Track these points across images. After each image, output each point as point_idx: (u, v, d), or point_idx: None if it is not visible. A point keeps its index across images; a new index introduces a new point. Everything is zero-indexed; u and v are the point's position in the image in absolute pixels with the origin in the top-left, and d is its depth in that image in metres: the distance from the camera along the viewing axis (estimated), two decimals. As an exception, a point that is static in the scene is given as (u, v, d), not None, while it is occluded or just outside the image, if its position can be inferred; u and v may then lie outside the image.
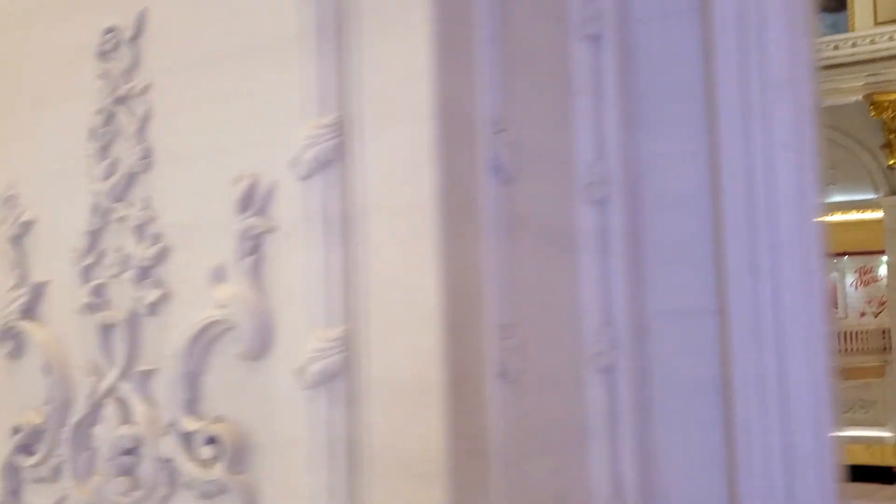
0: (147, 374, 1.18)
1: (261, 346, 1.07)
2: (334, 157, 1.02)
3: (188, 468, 1.10)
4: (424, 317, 0.92)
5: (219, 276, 1.11)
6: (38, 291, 1.30)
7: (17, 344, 1.32)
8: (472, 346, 0.95)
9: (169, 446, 1.13)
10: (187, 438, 1.12)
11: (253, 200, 1.09)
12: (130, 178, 1.21)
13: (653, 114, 1.36)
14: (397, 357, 0.94)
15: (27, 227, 1.33)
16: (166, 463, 1.13)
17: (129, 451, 1.18)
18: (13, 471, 1.31)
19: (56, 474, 1.26)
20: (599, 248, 1.27)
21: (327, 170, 1.02)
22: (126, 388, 1.18)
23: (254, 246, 1.09)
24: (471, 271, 0.97)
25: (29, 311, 1.31)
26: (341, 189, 1.02)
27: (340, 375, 1.00)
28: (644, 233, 1.34)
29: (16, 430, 1.30)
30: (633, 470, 1.27)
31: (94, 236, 1.24)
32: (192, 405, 1.13)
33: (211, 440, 1.09)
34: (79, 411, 1.22)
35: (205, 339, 1.12)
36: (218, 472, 1.07)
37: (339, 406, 1.00)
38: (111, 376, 1.20)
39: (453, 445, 0.90)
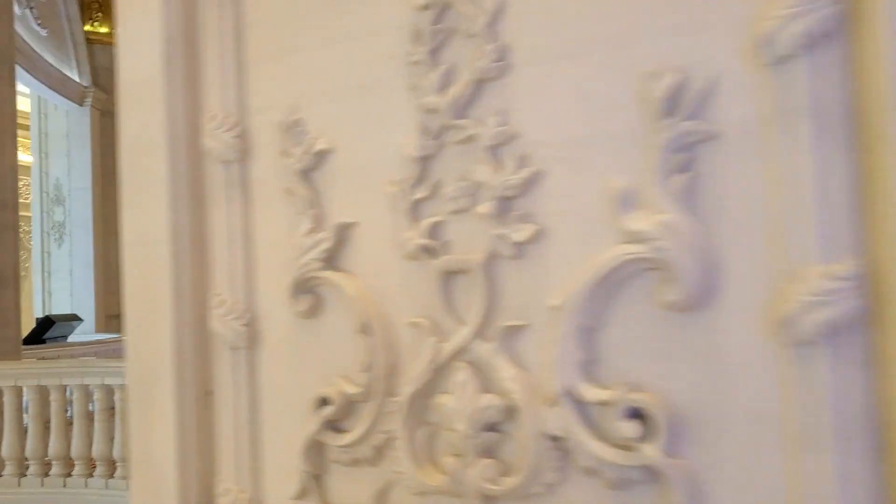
0: (513, 331, 0.93)
1: (705, 290, 0.81)
2: (833, 30, 0.74)
3: (594, 449, 0.86)
4: None
5: (628, 202, 0.85)
6: (343, 235, 1.07)
7: (315, 299, 1.09)
8: None
9: (559, 421, 0.89)
10: (589, 411, 0.88)
11: (682, 101, 0.83)
12: (478, 87, 0.96)
13: None
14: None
15: (321, 157, 1.09)
16: (555, 442, 0.90)
17: (493, 427, 0.94)
18: (318, 451, 1.10)
19: (379, 455, 1.04)
20: None
21: (820, 49, 0.75)
22: (483, 349, 0.95)
23: (686, 160, 0.83)
24: None
25: (332, 260, 1.07)
26: (842, 73, 0.74)
27: (856, 326, 0.73)
28: None
29: (322, 402, 1.08)
30: None
31: (426, 163, 0.99)
32: (588, 369, 0.88)
33: (634, 413, 0.84)
34: (416, 378, 0.99)
35: (609, 284, 0.87)
36: (647, 454, 0.83)
37: (855, 367, 0.74)
38: (461, 335, 0.96)
39: None
